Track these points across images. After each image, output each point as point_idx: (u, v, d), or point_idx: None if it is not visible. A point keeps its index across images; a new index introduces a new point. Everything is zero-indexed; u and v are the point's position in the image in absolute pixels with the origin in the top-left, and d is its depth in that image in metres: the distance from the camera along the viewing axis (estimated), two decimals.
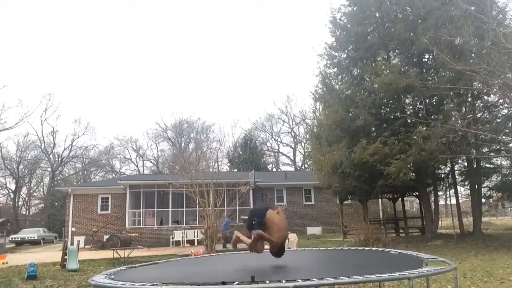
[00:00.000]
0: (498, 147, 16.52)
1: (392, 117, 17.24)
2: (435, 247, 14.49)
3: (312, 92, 19.43)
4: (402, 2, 16.78)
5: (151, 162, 59.18)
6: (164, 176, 25.57)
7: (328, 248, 8.03)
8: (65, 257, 13.29)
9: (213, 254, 11.10)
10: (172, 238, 23.51)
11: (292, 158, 54.64)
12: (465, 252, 12.75)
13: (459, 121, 13.42)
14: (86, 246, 24.26)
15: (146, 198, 25.72)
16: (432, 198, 19.21)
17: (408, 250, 5.61)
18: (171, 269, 4.94)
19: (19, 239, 31.60)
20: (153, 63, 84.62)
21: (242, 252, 5.65)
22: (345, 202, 22.71)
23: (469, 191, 18.88)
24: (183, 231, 23.73)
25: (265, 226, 4.22)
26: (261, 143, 55.12)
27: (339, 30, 18.48)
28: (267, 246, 4.30)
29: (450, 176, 19.06)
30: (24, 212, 56.90)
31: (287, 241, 4.24)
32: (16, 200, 52.53)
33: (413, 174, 15.75)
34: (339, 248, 8.41)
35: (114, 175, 53.26)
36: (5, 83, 67.59)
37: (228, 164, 49.10)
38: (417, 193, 20.67)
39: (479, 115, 16.48)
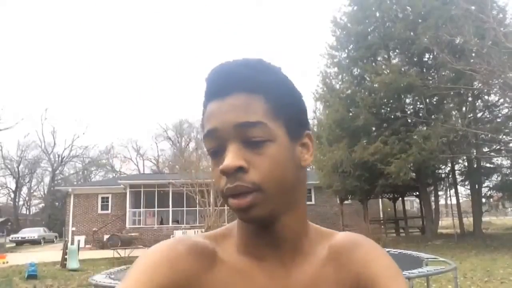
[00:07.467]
0: (498, 146, 16.49)
1: (392, 116, 17.25)
2: (435, 247, 14.49)
3: (313, 92, 19.46)
4: (403, 2, 16.76)
5: (151, 161, 59.16)
6: (164, 176, 25.62)
7: None
8: (66, 256, 13.30)
9: None
10: (173, 237, 23.49)
11: None
12: (465, 252, 12.75)
13: (460, 120, 13.46)
14: (87, 246, 24.25)
15: (146, 198, 25.70)
16: (432, 198, 19.19)
17: (409, 250, 5.62)
18: None
19: (19, 238, 31.53)
20: (154, 63, 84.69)
21: None
22: (346, 202, 22.67)
23: (469, 191, 18.86)
24: (184, 231, 23.70)
25: None
26: None
27: (340, 30, 18.50)
28: None
29: (450, 176, 19.02)
30: (24, 212, 56.88)
31: None
32: (17, 199, 52.53)
33: (413, 173, 15.76)
34: None
35: (114, 175, 53.19)
36: (5, 83, 67.70)
37: None
38: (417, 193, 20.65)
39: (479, 114, 16.49)
